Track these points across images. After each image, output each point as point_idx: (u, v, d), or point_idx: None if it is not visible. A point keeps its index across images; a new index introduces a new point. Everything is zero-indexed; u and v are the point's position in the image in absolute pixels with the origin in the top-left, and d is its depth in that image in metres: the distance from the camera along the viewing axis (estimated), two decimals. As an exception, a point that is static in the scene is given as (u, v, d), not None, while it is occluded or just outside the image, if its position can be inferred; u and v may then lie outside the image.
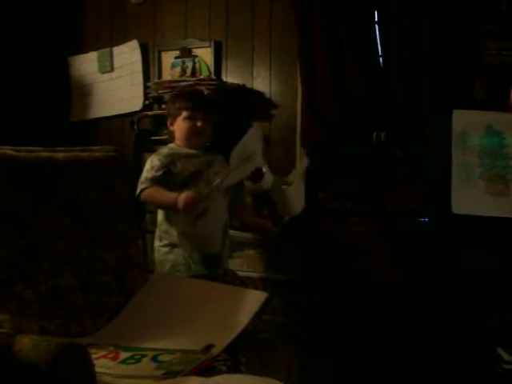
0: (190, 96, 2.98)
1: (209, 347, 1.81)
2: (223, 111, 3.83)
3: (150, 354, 1.79)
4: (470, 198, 2.70)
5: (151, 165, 2.75)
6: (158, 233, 2.88)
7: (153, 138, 3.94)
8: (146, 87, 4.21)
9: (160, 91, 3.99)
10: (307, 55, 3.62)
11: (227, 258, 2.93)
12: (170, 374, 1.61)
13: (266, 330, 3.13)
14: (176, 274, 2.69)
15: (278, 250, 3.40)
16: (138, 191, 2.71)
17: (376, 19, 3.56)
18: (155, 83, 4.07)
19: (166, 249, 2.79)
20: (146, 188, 2.69)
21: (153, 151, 3.84)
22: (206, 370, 1.67)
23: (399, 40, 3.43)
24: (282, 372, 2.20)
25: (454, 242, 2.91)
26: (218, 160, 2.94)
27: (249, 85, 3.97)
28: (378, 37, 3.56)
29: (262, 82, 3.95)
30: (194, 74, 4.05)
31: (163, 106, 4.01)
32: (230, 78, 4.02)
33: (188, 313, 2.01)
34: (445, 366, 2.92)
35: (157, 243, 2.85)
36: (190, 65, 4.10)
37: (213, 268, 2.74)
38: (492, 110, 3.01)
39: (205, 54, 4.09)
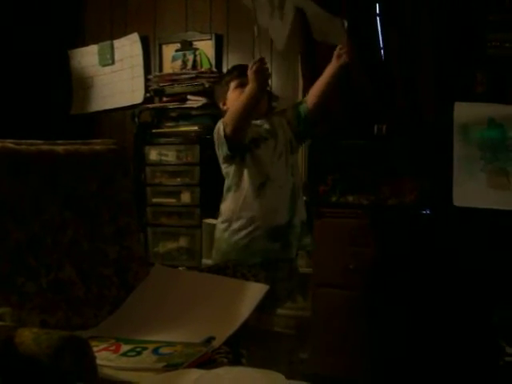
0: (234, 67, 2.88)
1: (210, 340, 1.81)
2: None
3: (151, 346, 1.79)
4: (471, 190, 2.70)
5: (225, 131, 2.57)
6: (220, 209, 2.77)
7: (154, 130, 3.95)
8: (146, 80, 4.20)
9: (161, 84, 4.00)
10: (308, 48, 3.60)
11: (299, 230, 2.71)
12: (170, 367, 1.60)
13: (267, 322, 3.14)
14: (230, 255, 2.60)
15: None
16: (222, 131, 2.57)
17: (377, 12, 3.55)
18: (156, 76, 4.08)
19: (224, 225, 2.68)
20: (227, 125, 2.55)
21: (154, 144, 3.89)
22: (207, 363, 1.67)
23: (401, 33, 3.42)
24: (284, 364, 2.19)
25: (456, 235, 2.91)
26: (279, 123, 2.78)
27: (250, 78, 3.96)
28: (379, 29, 3.54)
29: (262, 74, 3.94)
30: (194, 66, 4.06)
31: (164, 99, 4.02)
32: (231, 70, 4.01)
33: (189, 305, 2.01)
34: (448, 358, 2.93)
35: (218, 219, 2.76)
36: (190, 58, 4.09)
37: (283, 240, 2.64)
38: (494, 103, 3.01)
39: (206, 47, 4.09)
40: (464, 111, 2.98)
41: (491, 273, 2.65)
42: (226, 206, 2.71)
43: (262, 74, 2.42)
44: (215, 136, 2.64)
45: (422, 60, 3.37)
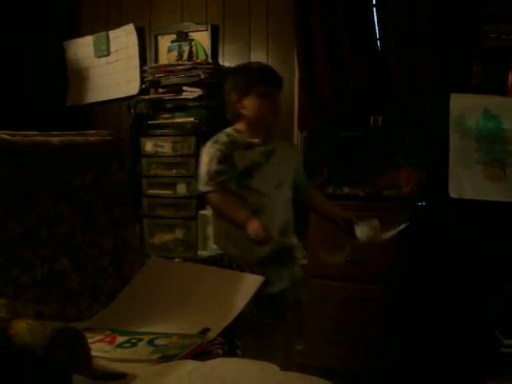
0: (264, 70, 2.59)
1: (205, 331, 1.81)
2: (220, 95, 3.84)
3: (147, 337, 1.79)
4: (467, 182, 2.70)
5: (210, 156, 2.43)
6: (210, 230, 2.63)
7: (149, 122, 3.94)
8: (142, 71, 4.19)
9: (156, 75, 3.98)
10: (304, 39, 3.59)
11: (289, 264, 2.54)
12: (166, 358, 1.61)
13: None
14: None
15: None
16: (202, 190, 2.43)
17: (374, 2, 3.54)
18: (152, 67, 4.06)
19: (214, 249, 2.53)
20: (212, 192, 2.39)
21: (150, 135, 3.88)
22: (202, 354, 1.67)
23: (397, 23, 3.41)
24: (279, 356, 2.20)
25: (451, 226, 2.91)
26: (281, 147, 2.58)
27: (246, 69, 3.95)
28: (375, 21, 3.53)
29: (259, 65, 3.93)
30: (190, 57, 4.05)
31: (160, 90, 4.01)
32: (227, 61, 4.01)
33: (184, 296, 2.01)
34: (444, 350, 2.93)
35: (210, 241, 2.61)
36: (186, 49, 4.08)
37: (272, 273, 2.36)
38: (490, 94, 3.01)
39: (202, 38, 4.07)
40: (460, 103, 2.98)
41: (486, 263, 2.66)
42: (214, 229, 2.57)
43: (261, 240, 2.28)
44: (201, 159, 2.49)
45: (418, 51, 3.36)
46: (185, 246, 3.75)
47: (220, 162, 2.39)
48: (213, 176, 2.38)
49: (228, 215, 2.38)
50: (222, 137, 2.50)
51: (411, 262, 2.95)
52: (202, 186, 2.42)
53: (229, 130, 2.55)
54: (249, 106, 2.47)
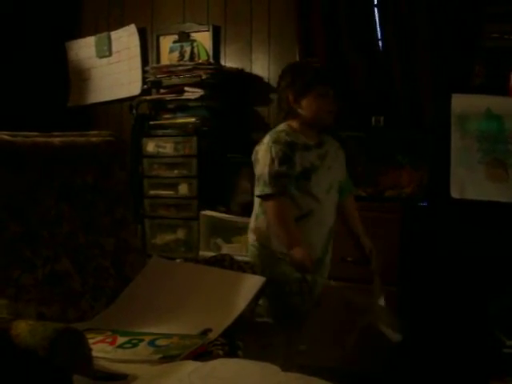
0: (322, 70, 2.55)
1: (206, 332, 1.82)
2: (222, 96, 3.84)
3: (148, 338, 1.79)
4: (468, 182, 2.69)
5: (271, 155, 2.36)
6: (252, 224, 2.55)
7: (151, 122, 3.93)
8: (144, 72, 4.18)
9: (158, 76, 3.98)
10: (306, 39, 3.59)
11: (329, 267, 2.57)
12: (167, 359, 1.61)
13: (262, 314, 3.14)
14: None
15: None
16: (264, 192, 2.37)
17: (375, 3, 3.53)
18: (153, 68, 4.06)
19: (256, 246, 2.48)
20: (274, 196, 2.35)
21: (151, 136, 3.88)
22: (203, 355, 1.67)
23: (398, 24, 3.40)
24: (279, 357, 2.19)
25: (453, 227, 2.91)
26: (332, 150, 2.55)
27: (247, 69, 3.95)
28: (377, 21, 3.53)
29: (260, 66, 3.93)
30: (192, 58, 4.04)
31: (162, 91, 4.00)
32: (229, 62, 4.00)
33: (186, 297, 2.02)
34: (447, 351, 2.93)
35: (250, 236, 2.54)
36: (188, 49, 4.07)
37: (313, 276, 2.44)
38: (491, 95, 3.00)
39: (203, 39, 4.07)
40: (461, 103, 2.97)
41: (488, 264, 2.65)
42: (261, 225, 2.49)
43: (303, 267, 2.31)
44: (256, 157, 2.44)
45: (420, 51, 3.35)
46: (186, 247, 3.75)
47: (282, 162, 2.34)
48: (275, 178, 2.34)
49: (280, 228, 2.35)
50: (282, 136, 2.42)
51: (413, 263, 2.95)
52: (264, 187, 2.36)
53: (284, 127, 2.48)
54: (307, 106, 2.43)
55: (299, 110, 2.45)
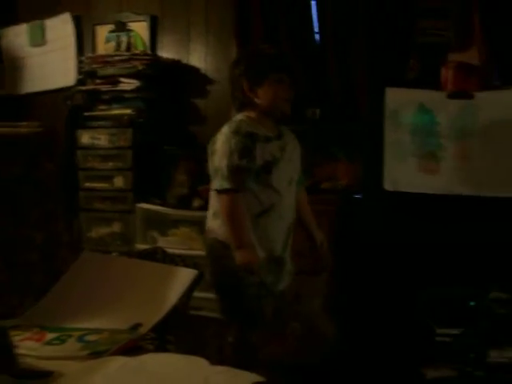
0: (277, 56, 2.47)
1: (137, 326, 1.78)
2: (158, 87, 3.80)
3: (77, 334, 1.75)
4: (402, 174, 2.74)
5: (231, 147, 2.28)
6: (210, 223, 2.45)
7: (86, 114, 3.86)
8: (79, 62, 4.10)
9: (94, 66, 3.92)
10: (244, 31, 3.58)
11: (290, 263, 2.50)
12: (95, 354, 1.57)
13: (200, 307, 3.13)
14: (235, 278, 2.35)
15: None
16: (221, 186, 2.29)
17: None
18: (89, 57, 3.99)
19: (220, 245, 2.39)
20: (230, 191, 2.28)
21: (86, 127, 3.80)
22: (133, 350, 1.64)
23: (335, 17, 3.43)
24: (213, 350, 2.19)
25: (386, 219, 2.95)
26: (290, 142, 2.50)
27: (185, 60, 3.93)
28: (314, 14, 3.55)
29: (198, 57, 3.92)
30: (129, 48, 3.98)
31: (97, 81, 3.93)
32: (166, 53, 3.97)
33: (117, 291, 1.98)
34: (381, 342, 2.97)
35: (211, 234, 2.45)
36: (125, 39, 4.02)
37: (276, 273, 2.41)
38: (425, 89, 3.05)
39: (140, 29, 4.02)
40: (395, 97, 3.02)
41: (420, 255, 2.70)
42: (219, 225, 2.40)
43: (248, 269, 2.28)
44: (214, 147, 2.37)
45: (356, 45, 3.39)
46: (122, 240, 3.71)
47: (242, 156, 2.27)
48: (234, 172, 2.26)
49: (231, 227, 2.29)
50: (242, 126, 2.34)
51: (347, 255, 2.98)
52: (222, 182, 2.29)
53: (242, 117, 2.40)
54: (262, 94, 2.37)
55: (255, 100, 2.38)
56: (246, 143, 2.28)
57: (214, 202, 2.42)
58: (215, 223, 2.42)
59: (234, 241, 2.28)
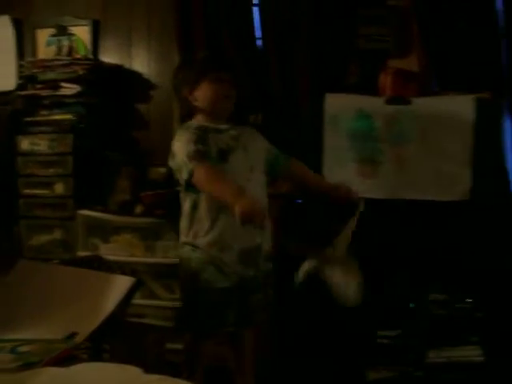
0: (210, 57, 2.64)
1: (72, 335, 1.77)
2: (100, 92, 3.75)
3: (10, 345, 1.72)
4: (341, 179, 2.76)
5: (185, 138, 2.33)
6: (183, 224, 2.45)
7: (26, 119, 3.79)
8: (19, 66, 4.02)
9: (34, 70, 3.85)
10: (186, 36, 3.57)
11: (269, 253, 2.50)
12: (26, 366, 1.55)
13: (143, 314, 3.11)
14: (204, 276, 2.36)
15: (156, 234, 3.36)
16: (186, 174, 2.29)
17: (255, 2, 3.57)
18: (29, 62, 3.92)
19: (189, 246, 2.40)
20: (196, 167, 2.26)
21: (26, 133, 3.72)
22: (67, 359, 1.62)
23: (277, 23, 3.46)
24: (150, 358, 2.18)
25: (325, 223, 2.98)
26: (245, 132, 2.54)
27: (127, 65, 3.90)
28: (257, 19, 3.57)
29: (140, 62, 3.89)
30: (70, 52, 3.93)
31: (37, 86, 3.86)
32: (108, 57, 3.93)
33: (53, 300, 1.95)
34: (323, 346, 3.00)
35: (182, 237, 2.45)
36: (66, 43, 3.97)
37: (252, 265, 2.41)
38: (365, 94, 3.10)
39: (82, 33, 3.97)
40: (335, 102, 3.05)
41: (357, 258, 2.72)
42: (187, 225, 2.43)
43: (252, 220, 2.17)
44: (173, 149, 2.38)
45: (298, 50, 3.43)
46: (64, 247, 3.65)
47: (197, 142, 2.31)
48: (193, 156, 2.28)
49: (217, 186, 2.27)
50: (192, 123, 2.44)
51: (288, 259, 3.00)
52: (186, 168, 2.29)
53: (191, 121, 2.47)
54: (201, 96, 2.43)
55: (195, 103, 2.44)
56: (199, 134, 2.35)
57: (185, 204, 2.43)
58: (182, 225, 2.45)
59: (228, 195, 2.22)
